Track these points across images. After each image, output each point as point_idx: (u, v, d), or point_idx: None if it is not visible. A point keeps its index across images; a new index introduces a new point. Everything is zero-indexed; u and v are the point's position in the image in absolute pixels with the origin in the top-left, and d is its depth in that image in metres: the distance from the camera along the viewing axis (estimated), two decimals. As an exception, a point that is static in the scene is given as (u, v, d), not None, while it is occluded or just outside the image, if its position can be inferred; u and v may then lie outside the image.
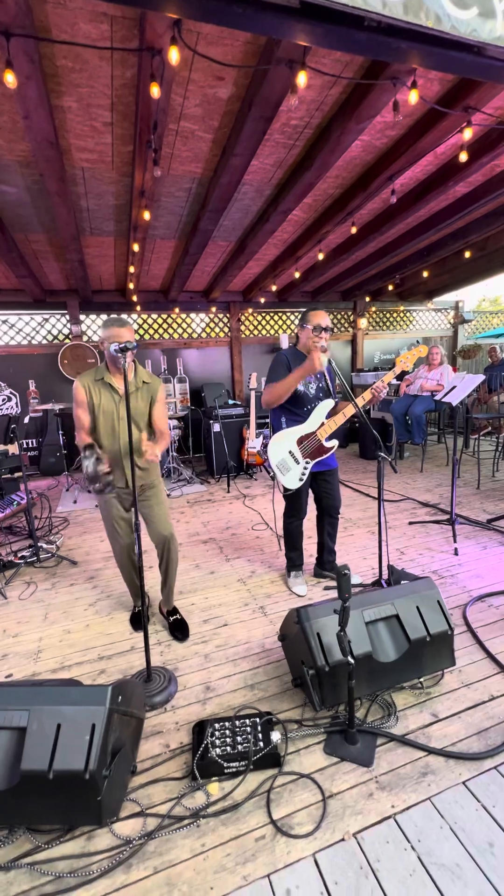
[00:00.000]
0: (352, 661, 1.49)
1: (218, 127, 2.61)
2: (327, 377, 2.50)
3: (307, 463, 2.39)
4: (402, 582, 2.22)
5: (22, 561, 3.17)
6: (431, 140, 2.76)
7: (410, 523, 3.57)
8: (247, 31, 1.73)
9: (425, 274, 6.14)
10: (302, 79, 1.91)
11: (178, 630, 2.28)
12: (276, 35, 1.69)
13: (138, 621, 2.40)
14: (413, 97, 2.07)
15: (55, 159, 2.60)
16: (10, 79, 1.77)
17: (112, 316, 1.96)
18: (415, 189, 3.67)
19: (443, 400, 3.29)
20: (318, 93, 2.38)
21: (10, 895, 1.19)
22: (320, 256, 4.78)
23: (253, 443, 5.28)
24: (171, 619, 2.35)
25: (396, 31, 1.66)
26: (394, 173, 3.13)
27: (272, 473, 2.45)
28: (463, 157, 2.78)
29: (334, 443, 2.41)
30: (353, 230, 4.06)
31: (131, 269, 4.65)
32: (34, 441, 5.98)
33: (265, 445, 5.47)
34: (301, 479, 2.40)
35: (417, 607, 1.77)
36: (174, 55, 1.74)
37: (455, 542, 3.13)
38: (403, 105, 2.35)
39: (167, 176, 3.11)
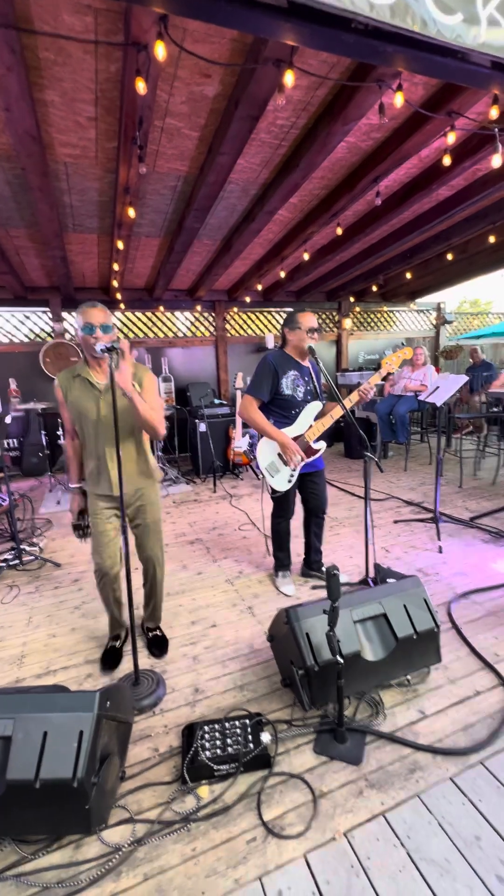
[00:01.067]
0: (341, 660, 1.50)
1: (204, 125, 2.59)
2: (314, 379, 2.50)
3: (295, 467, 2.40)
4: (389, 580, 2.24)
5: (4, 564, 3.09)
6: (415, 143, 2.79)
7: (395, 522, 3.61)
8: (234, 29, 1.72)
9: (408, 275, 6.22)
10: (289, 78, 1.90)
11: (156, 646, 2.15)
12: (264, 34, 1.68)
13: (110, 660, 2.05)
14: (398, 100, 2.09)
15: (37, 154, 2.54)
16: (-9, 70, 1.72)
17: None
18: (399, 191, 3.71)
19: (427, 400, 3.33)
20: (305, 93, 2.39)
21: (-5, 908, 1.16)
22: (305, 257, 4.79)
23: (239, 442, 5.27)
24: (150, 634, 2.22)
25: (383, 34, 1.67)
26: (378, 175, 3.16)
27: (261, 476, 2.44)
28: (446, 160, 2.82)
29: (322, 445, 2.42)
30: (339, 231, 4.08)
31: (115, 267, 4.59)
32: (16, 441, 5.85)
33: (251, 445, 5.47)
34: (290, 482, 2.41)
35: (405, 605, 1.79)
36: (160, 51, 1.71)
37: (439, 539, 3.18)
38: (389, 108, 2.36)
39: (152, 173, 3.07)
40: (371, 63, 1.99)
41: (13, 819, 1.26)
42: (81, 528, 2.04)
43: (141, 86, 1.89)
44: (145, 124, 2.31)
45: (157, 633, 2.23)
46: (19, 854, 1.28)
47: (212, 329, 6.84)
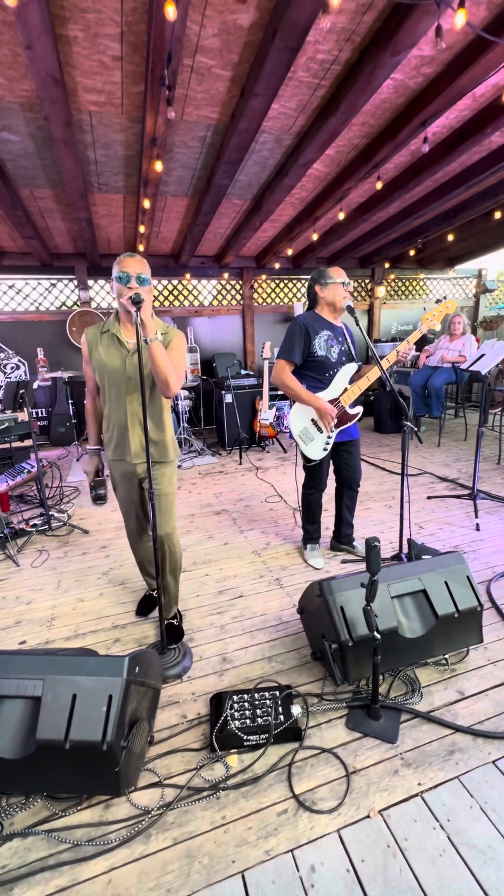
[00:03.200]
0: (378, 636, 1.42)
1: (237, 62, 2.37)
2: (349, 339, 2.35)
3: (332, 432, 2.28)
4: (424, 557, 2.14)
5: (34, 529, 3.14)
6: (471, 78, 2.49)
7: (429, 497, 3.47)
8: None
9: (450, 238, 5.80)
10: (336, -5, 1.68)
11: (168, 635, 1.93)
12: None
13: (143, 607, 2.17)
14: (459, 20, 1.83)
15: (61, 100, 2.40)
16: (10, -5, 1.58)
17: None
18: (448, 139, 3.39)
19: (471, 369, 3.12)
20: (350, 19, 2.14)
21: (27, 861, 1.16)
22: (341, 216, 4.50)
23: (265, 414, 5.15)
24: (166, 622, 2.01)
25: None
26: (426, 118, 2.87)
27: (294, 444, 2.33)
28: (506, 97, 2.52)
29: (359, 409, 2.28)
30: (378, 185, 3.78)
31: (141, 229, 4.43)
32: (44, 411, 5.91)
33: (278, 417, 5.34)
34: (325, 450, 2.29)
35: (446, 582, 1.69)
36: (193, -36, 1.53)
37: (477, 517, 3.03)
38: (446, 33, 2.10)
39: (180, 122, 2.88)
40: (430, -27, 1.74)
41: (44, 777, 1.26)
42: (97, 493, 1.96)
43: (171, 10, 1.71)
44: (174, 61, 2.12)
45: (174, 620, 2.04)
46: (50, 810, 1.28)
47: (238, 298, 6.63)
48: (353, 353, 2.34)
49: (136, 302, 1.48)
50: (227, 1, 2.00)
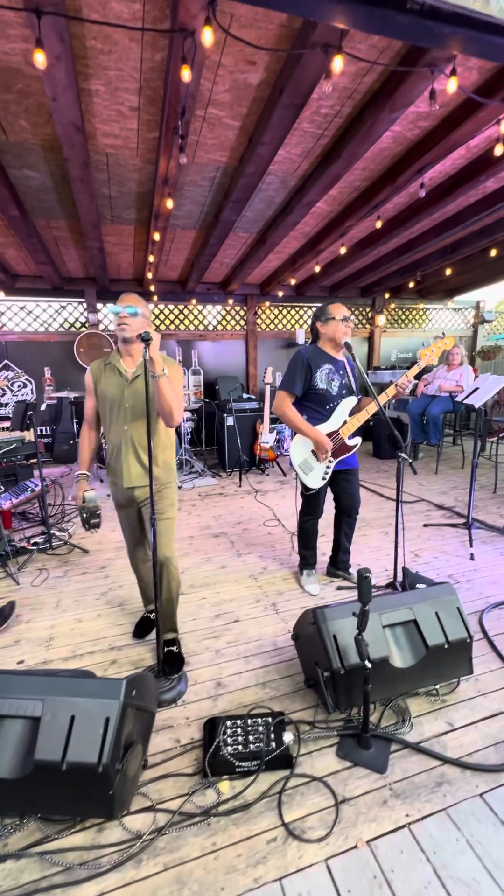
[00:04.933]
0: (369, 665, 1.46)
1: (246, 114, 2.55)
2: (350, 373, 2.44)
3: (330, 462, 2.35)
4: (418, 585, 2.18)
5: (35, 547, 3.18)
6: (466, 132, 2.66)
7: (425, 525, 3.51)
8: (286, 12, 1.66)
9: (448, 271, 6.00)
10: (338, 64, 1.84)
11: (168, 664, 1.92)
12: (314, 17, 1.62)
13: (140, 628, 2.21)
14: (452, 86, 1.98)
15: (80, 144, 2.56)
16: (41, 59, 1.73)
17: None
18: (444, 183, 3.57)
19: (465, 402, 3.21)
20: (352, 80, 2.31)
21: (21, 883, 1.18)
22: (342, 251, 4.69)
23: (266, 438, 5.24)
24: (166, 649, 1.99)
25: (440, 14, 1.59)
26: (423, 166, 3.04)
27: (294, 473, 2.41)
28: (499, 149, 2.67)
29: (357, 441, 2.36)
30: (378, 224, 3.97)
31: (151, 259, 4.61)
32: (48, 428, 6.01)
33: (278, 441, 5.43)
34: (324, 479, 2.37)
35: (436, 613, 1.73)
36: (207, 36, 1.68)
37: (471, 546, 3.07)
38: (440, 95, 2.26)
39: (191, 164, 3.05)
40: (424, 46, 1.90)
41: (39, 798, 1.29)
42: (89, 520, 1.94)
43: (186, 73, 1.87)
44: (187, 114, 2.29)
45: (173, 648, 2.01)
46: (43, 832, 1.30)
47: (242, 323, 6.81)
48: (354, 386, 2.43)
49: (146, 339, 1.59)
50: (238, 62, 2.18)
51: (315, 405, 2.37)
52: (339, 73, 2.01)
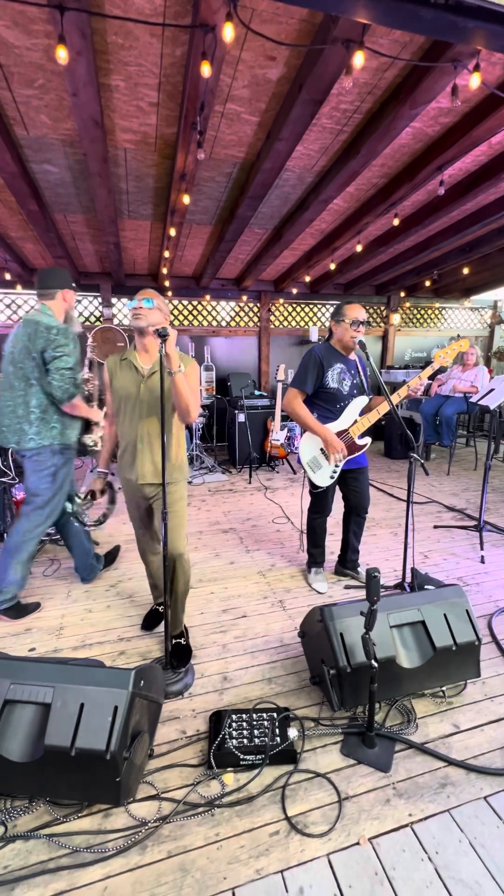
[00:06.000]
0: (375, 664, 1.46)
1: (265, 109, 2.53)
2: (361, 372, 2.43)
3: (339, 461, 2.35)
4: (426, 587, 2.17)
5: (47, 538, 3.23)
6: (488, 128, 2.62)
7: (435, 527, 3.49)
8: (305, 7, 1.65)
9: (465, 270, 5.91)
10: (358, 59, 1.82)
11: (176, 656, 1.93)
12: (336, 11, 1.61)
13: (149, 620, 2.25)
14: (475, 81, 1.95)
15: (99, 139, 2.58)
16: (63, 54, 1.75)
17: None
18: (463, 181, 3.51)
19: (479, 403, 3.17)
20: (372, 75, 2.28)
21: (29, 863, 1.22)
22: (358, 248, 4.65)
23: (277, 435, 5.24)
24: (174, 641, 2.01)
25: (464, 8, 1.57)
26: (444, 163, 3.00)
27: (302, 470, 2.41)
28: (520, 147, 2.63)
29: (367, 440, 2.35)
30: (396, 222, 3.92)
31: (166, 254, 4.63)
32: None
33: (289, 438, 5.43)
34: (332, 478, 2.36)
35: (445, 615, 1.72)
36: (228, 32, 1.68)
37: (482, 549, 3.04)
38: (462, 90, 2.23)
39: (209, 159, 3.05)
40: (447, 41, 1.87)
41: (48, 781, 1.32)
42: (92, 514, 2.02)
43: (206, 69, 1.86)
44: (206, 109, 2.29)
45: (181, 640, 2.05)
46: (52, 815, 1.34)
47: (256, 320, 6.80)
48: (366, 386, 2.42)
49: (163, 335, 1.60)
50: (257, 57, 2.17)
51: (325, 404, 2.37)
52: (359, 69, 1.99)
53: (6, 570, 2.27)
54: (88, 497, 2.05)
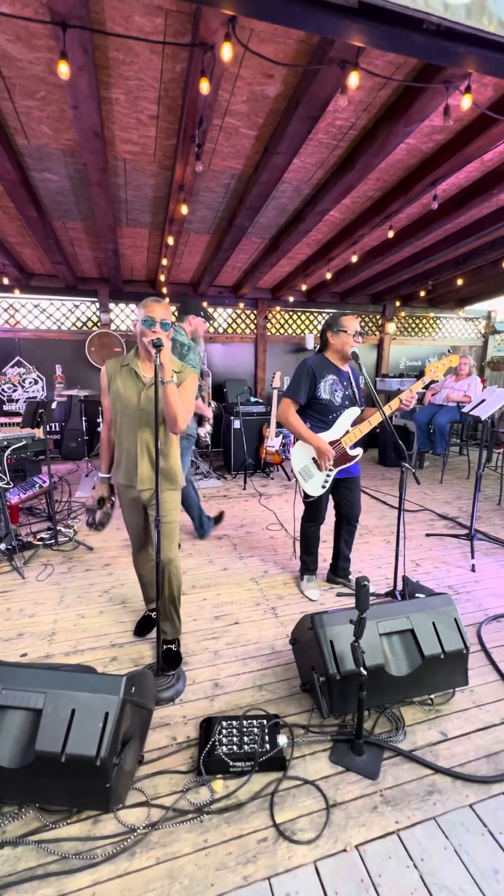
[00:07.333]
0: (364, 672, 1.48)
1: (262, 124, 2.59)
2: (353, 383, 2.47)
3: (330, 470, 2.38)
4: (417, 595, 2.20)
5: (41, 543, 3.23)
6: (480, 146, 2.68)
7: (427, 535, 3.52)
8: (302, 30, 1.70)
9: (459, 281, 6.01)
10: (353, 79, 1.88)
11: (165, 660, 1.96)
12: (332, 35, 1.66)
13: (141, 627, 2.26)
14: (466, 102, 2.02)
15: (99, 150, 2.62)
16: (64, 69, 1.79)
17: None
18: (457, 195, 3.59)
19: (471, 413, 3.22)
20: (367, 94, 2.34)
21: (17, 869, 1.22)
22: (354, 259, 4.71)
23: (272, 442, 5.27)
24: (164, 646, 2.03)
25: (456, 35, 1.62)
26: (437, 178, 3.06)
27: (294, 479, 2.44)
28: (511, 165, 2.70)
29: (359, 451, 2.39)
30: (390, 234, 3.99)
31: (164, 262, 4.67)
32: (57, 425, 6.09)
33: (284, 445, 5.46)
34: (324, 487, 2.39)
35: (433, 623, 1.75)
36: (227, 51, 1.73)
37: (473, 557, 3.08)
38: (454, 110, 2.29)
39: (207, 171, 3.10)
40: (439, 64, 1.93)
41: (38, 787, 1.33)
42: (94, 520, 2.06)
43: (205, 86, 1.91)
44: (205, 123, 2.34)
45: (172, 647, 2.06)
46: (41, 821, 1.34)
47: (252, 327, 6.85)
48: (358, 397, 2.46)
49: (157, 346, 1.63)
50: (255, 75, 2.22)
51: (318, 414, 2.40)
52: (354, 88, 2.04)
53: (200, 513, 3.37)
54: (100, 504, 2.10)
